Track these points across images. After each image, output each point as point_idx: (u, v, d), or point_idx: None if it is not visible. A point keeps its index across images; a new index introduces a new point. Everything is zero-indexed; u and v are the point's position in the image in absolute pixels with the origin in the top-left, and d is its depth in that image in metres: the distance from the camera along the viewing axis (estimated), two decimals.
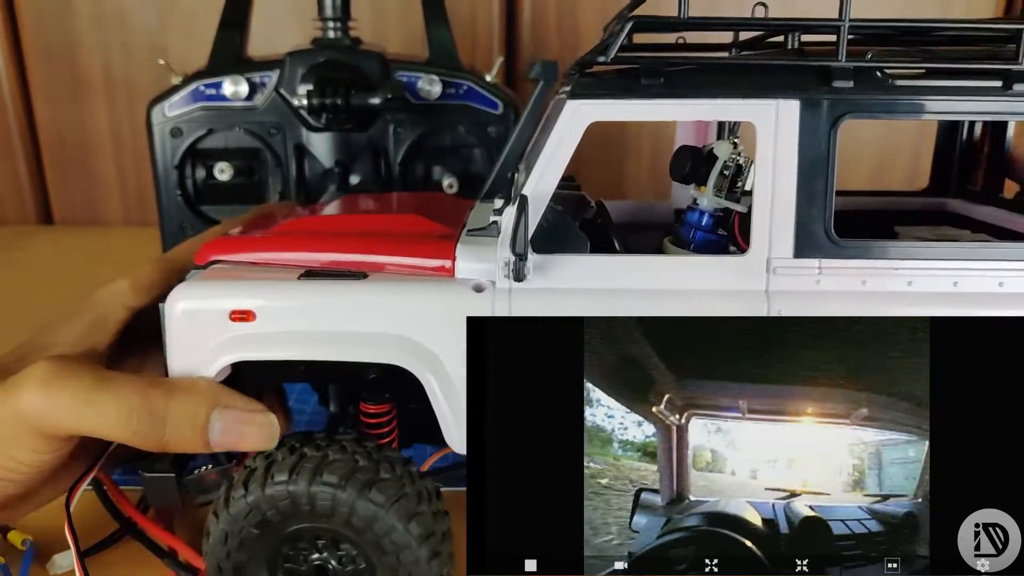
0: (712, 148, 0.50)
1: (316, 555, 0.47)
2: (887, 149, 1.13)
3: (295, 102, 0.72)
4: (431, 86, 0.73)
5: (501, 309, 0.45)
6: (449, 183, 0.75)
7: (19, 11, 1.14)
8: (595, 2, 1.10)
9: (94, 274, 0.58)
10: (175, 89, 0.73)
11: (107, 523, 0.56)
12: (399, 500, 0.44)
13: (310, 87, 0.71)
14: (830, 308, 0.44)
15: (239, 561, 0.46)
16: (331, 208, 0.56)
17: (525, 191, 0.44)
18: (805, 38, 0.48)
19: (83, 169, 1.20)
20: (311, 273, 0.47)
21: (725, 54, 0.53)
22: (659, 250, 0.67)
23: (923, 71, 0.44)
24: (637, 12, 0.48)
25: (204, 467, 0.51)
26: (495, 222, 0.49)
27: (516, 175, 0.55)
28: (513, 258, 0.44)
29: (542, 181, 0.45)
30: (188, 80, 0.72)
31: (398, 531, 0.44)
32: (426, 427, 0.56)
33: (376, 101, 0.70)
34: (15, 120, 1.18)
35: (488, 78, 0.76)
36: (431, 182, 0.75)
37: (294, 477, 0.44)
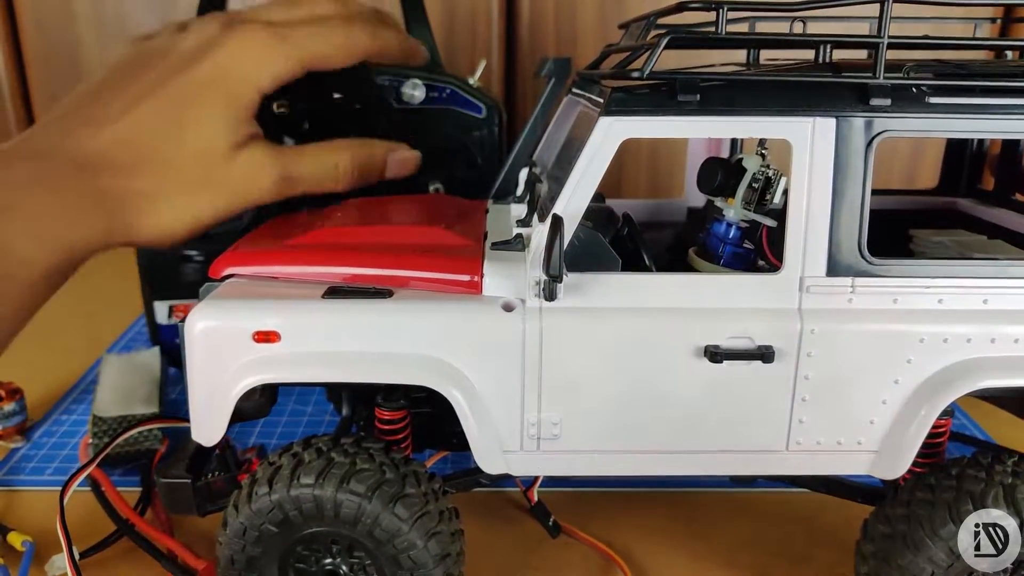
0: (741, 160, 0.49)
1: (329, 559, 0.46)
2: (888, 144, 1.13)
3: (275, 109, 0.69)
4: (414, 90, 0.71)
5: (532, 329, 0.44)
6: (435, 188, 0.73)
7: (19, 14, 1.11)
8: (593, 4, 1.09)
9: (93, 275, 0.57)
10: None
11: (105, 524, 0.56)
12: (422, 517, 0.44)
13: (290, 92, 0.68)
14: (862, 327, 0.44)
15: (253, 555, 0.45)
16: (345, 218, 0.55)
17: (557, 210, 0.43)
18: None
19: None
20: (335, 290, 0.46)
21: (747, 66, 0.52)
22: (672, 250, 0.67)
23: (960, 87, 0.43)
24: (665, 22, 0.47)
25: (212, 474, 0.50)
26: (519, 235, 0.48)
27: (536, 183, 0.54)
28: (546, 278, 0.43)
29: (574, 199, 0.44)
30: None
31: (417, 548, 0.44)
32: (438, 433, 0.56)
33: (358, 106, 0.69)
34: (15, 123, 1.15)
35: (471, 81, 0.74)
36: (416, 187, 0.74)
37: (320, 481, 0.43)
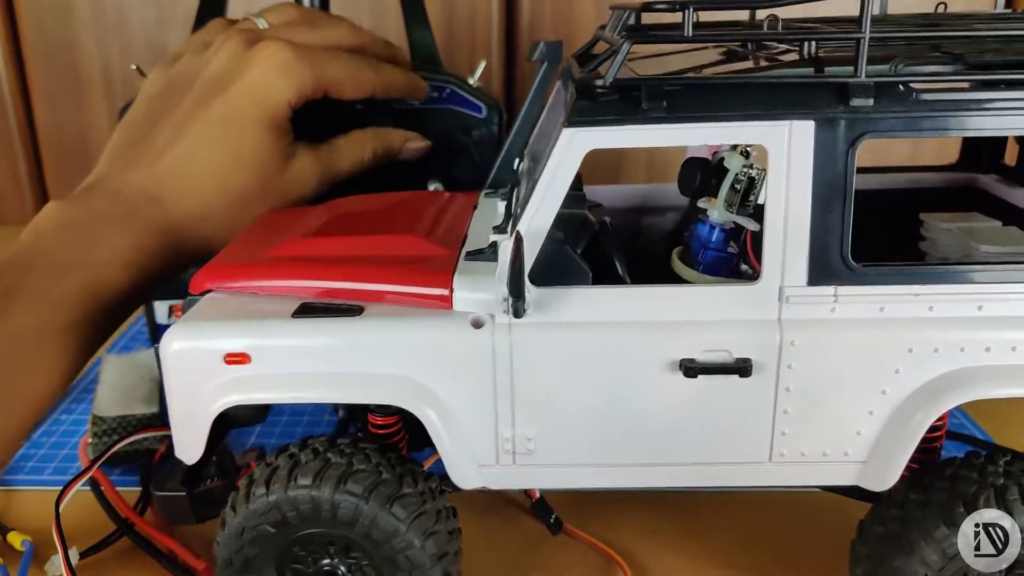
0: (723, 159, 0.47)
1: (326, 560, 0.47)
2: None
3: None
4: None
5: (502, 345, 0.43)
6: (435, 187, 0.72)
7: (19, 12, 1.11)
8: (592, 4, 1.07)
9: None
10: None
11: (105, 524, 0.57)
12: (419, 517, 0.44)
13: None
14: (845, 337, 0.42)
15: (250, 556, 0.46)
16: (325, 226, 0.54)
17: (521, 227, 0.42)
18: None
19: (83, 170, 1.15)
20: (306, 308, 0.46)
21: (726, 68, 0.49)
22: (673, 235, 0.65)
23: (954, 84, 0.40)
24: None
25: (210, 479, 0.51)
26: (494, 243, 0.47)
27: (517, 184, 0.53)
28: (510, 298, 0.42)
29: (539, 215, 0.42)
30: None
31: (415, 548, 0.44)
32: None
33: (358, 106, 0.68)
34: (15, 121, 1.16)
35: (471, 81, 0.73)
36: (415, 187, 0.73)
37: (318, 482, 0.43)
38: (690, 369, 0.42)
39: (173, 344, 0.45)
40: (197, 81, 0.61)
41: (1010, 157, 0.63)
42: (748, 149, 0.47)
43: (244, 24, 0.67)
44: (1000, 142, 0.63)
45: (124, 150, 0.62)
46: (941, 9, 0.55)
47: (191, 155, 0.59)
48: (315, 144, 0.64)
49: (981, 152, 0.64)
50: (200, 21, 0.74)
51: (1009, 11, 0.72)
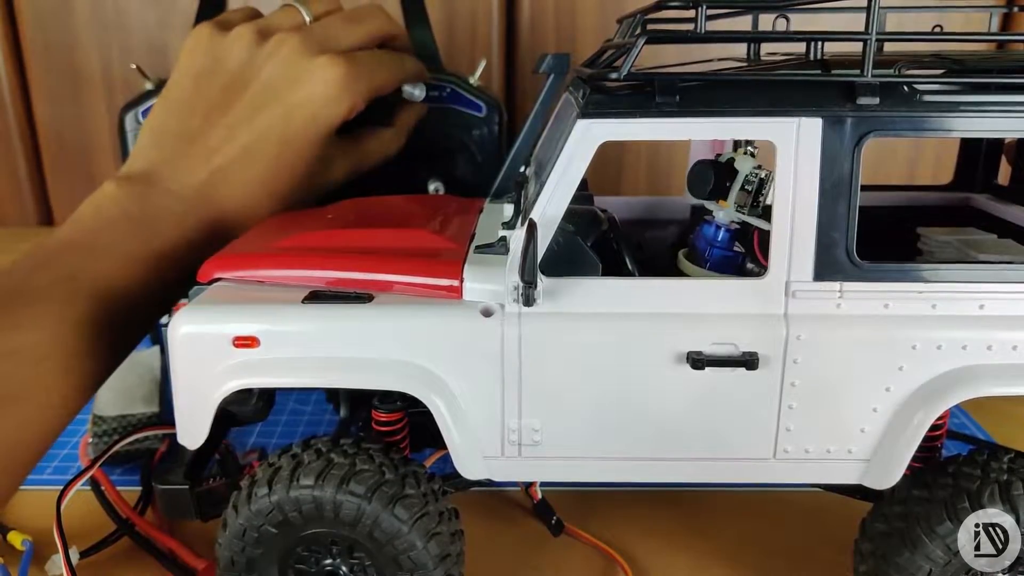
0: (733, 161, 0.48)
1: (329, 560, 0.46)
2: (886, 140, 1.11)
3: None
4: (414, 89, 0.71)
5: (511, 335, 0.44)
6: (435, 187, 0.73)
7: (19, 11, 1.12)
8: (594, 2, 1.08)
9: None
10: (149, 94, 0.70)
11: (105, 524, 0.56)
12: (421, 518, 0.44)
13: None
14: (850, 333, 0.43)
15: (253, 556, 0.46)
16: (333, 221, 0.55)
17: (534, 215, 0.42)
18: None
19: (83, 169, 1.17)
20: (316, 295, 0.46)
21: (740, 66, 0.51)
22: (676, 247, 0.66)
23: (956, 86, 0.42)
24: (660, 17, 0.46)
25: (213, 478, 0.51)
26: (504, 238, 0.48)
27: (525, 182, 0.54)
28: (522, 284, 0.42)
29: (551, 203, 0.43)
30: (162, 85, 0.70)
31: (417, 549, 0.44)
32: (436, 433, 0.56)
33: None
34: (15, 120, 1.16)
35: (471, 80, 0.74)
36: (416, 186, 0.74)
37: (320, 483, 0.43)
38: (697, 361, 0.43)
39: (182, 327, 0.45)
40: (253, 83, 0.62)
41: (1003, 177, 0.65)
42: (753, 151, 0.48)
43: (287, 13, 0.66)
44: (994, 161, 0.65)
45: (175, 141, 0.62)
46: (938, 30, 0.57)
47: (247, 163, 0.61)
48: (345, 144, 0.66)
49: (975, 171, 0.65)
50: (200, 21, 0.74)
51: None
